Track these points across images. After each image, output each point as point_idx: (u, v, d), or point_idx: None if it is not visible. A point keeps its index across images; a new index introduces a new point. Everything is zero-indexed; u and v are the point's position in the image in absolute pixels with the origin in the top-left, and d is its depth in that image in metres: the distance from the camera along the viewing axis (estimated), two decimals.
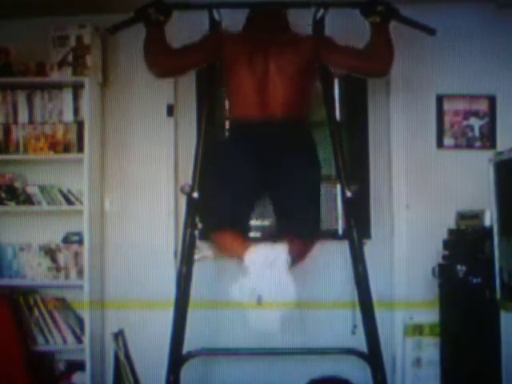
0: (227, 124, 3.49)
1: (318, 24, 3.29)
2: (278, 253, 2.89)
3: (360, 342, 3.32)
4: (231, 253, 3.08)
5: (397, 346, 3.71)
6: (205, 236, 3.19)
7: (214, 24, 3.27)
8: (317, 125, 3.42)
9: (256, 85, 3.10)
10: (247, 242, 3.04)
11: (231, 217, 3.06)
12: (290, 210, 3.10)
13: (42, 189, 3.70)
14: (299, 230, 3.08)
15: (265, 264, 2.86)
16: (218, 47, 3.18)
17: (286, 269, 2.87)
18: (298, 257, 3.05)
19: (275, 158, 3.07)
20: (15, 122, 3.70)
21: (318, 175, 3.22)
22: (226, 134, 3.33)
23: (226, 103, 3.43)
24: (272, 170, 3.07)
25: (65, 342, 3.66)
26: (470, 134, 3.81)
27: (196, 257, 3.28)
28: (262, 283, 2.85)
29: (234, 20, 3.37)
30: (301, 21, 3.33)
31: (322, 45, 3.20)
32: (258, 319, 2.87)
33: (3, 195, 3.68)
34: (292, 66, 3.11)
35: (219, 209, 3.10)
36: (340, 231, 3.76)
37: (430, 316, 3.63)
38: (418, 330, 3.69)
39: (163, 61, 3.15)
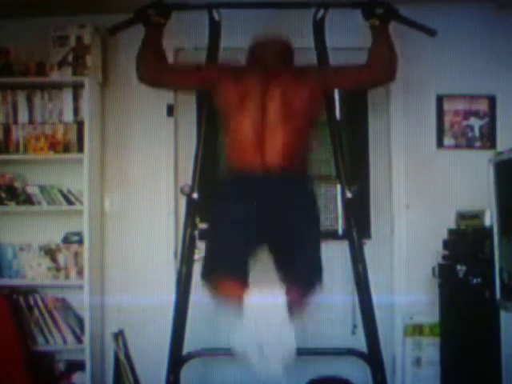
0: (224, 171, 3.29)
1: (318, 24, 3.29)
2: (276, 299, 2.76)
3: (360, 342, 3.33)
4: (230, 300, 2.95)
5: (397, 346, 3.72)
6: (203, 282, 3.04)
7: (214, 24, 3.27)
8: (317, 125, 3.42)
9: (254, 131, 2.97)
10: (245, 288, 2.90)
11: (229, 267, 2.94)
12: (290, 263, 2.98)
13: (42, 189, 3.70)
14: (299, 283, 2.96)
15: (263, 311, 2.74)
16: (212, 82, 3.09)
17: (285, 316, 2.74)
18: (297, 308, 2.94)
19: (275, 212, 2.94)
20: (15, 122, 3.69)
21: (318, 229, 3.10)
22: (224, 183, 3.21)
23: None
24: (271, 223, 2.94)
25: (65, 342, 3.66)
26: (470, 134, 3.81)
27: (196, 257, 3.29)
28: (262, 331, 2.72)
29: (233, 20, 3.38)
30: (301, 21, 3.33)
31: (322, 72, 3.15)
32: (259, 365, 2.79)
33: (3, 195, 3.68)
34: (293, 107, 3.00)
35: (218, 259, 2.98)
36: (340, 231, 3.76)
37: (430, 316, 3.64)
38: (418, 329, 3.69)
39: (157, 73, 3.12)
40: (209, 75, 3.14)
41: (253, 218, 2.93)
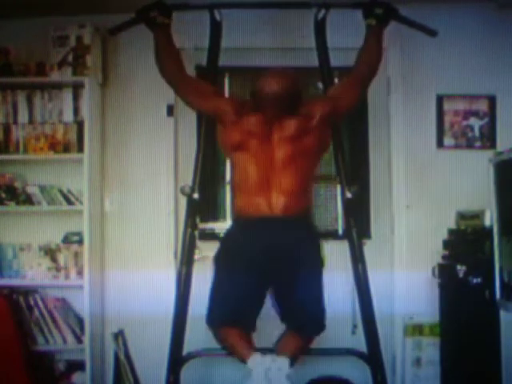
0: (231, 216, 3.36)
1: (320, 25, 3.29)
2: (279, 365, 2.80)
3: (360, 342, 3.32)
4: (234, 351, 2.99)
5: (397, 346, 3.72)
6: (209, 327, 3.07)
7: (215, 24, 3.27)
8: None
9: (259, 174, 2.94)
10: (251, 341, 2.97)
11: (234, 313, 2.94)
12: (293, 307, 3.00)
13: (42, 189, 3.70)
14: (302, 328, 3.02)
15: (266, 376, 2.77)
16: (220, 114, 3.03)
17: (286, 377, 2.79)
18: (296, 354, 3.00)
19: (280, 256, 2.94)
20: (15, 122, 3.69)
21: (321, 274, 3.07)
22: (230, 227, 3.19)
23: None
24: (276, 265, 2.94)
25: (65, 342, 3.66)
26: (470, 134, 3.81)
27: (196, 257, 3.28)
28: None
29: (234, 20, 3.38)
30: (302, 21, 3.33)
31: (330, 105, 3.06)
32: None
33: (3, 195, 3.68)
34: (300, 148, 2.95)
35: (222, 303, 2.99)
36: (340, 231, 3.76)
37: (430, 316, 3.64)
38: (417, 329, 3.69)
39: (175, 81, 3.10)
40: (219, 105, 3.06)
41: (257, 260, 2.93)
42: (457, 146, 3.80)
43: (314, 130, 2.98)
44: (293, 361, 2.92)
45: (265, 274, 2.95)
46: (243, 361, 2.92)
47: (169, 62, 3.10)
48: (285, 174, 2.93)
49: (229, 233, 3.16)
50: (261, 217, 2.93)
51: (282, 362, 2.80)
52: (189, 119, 3.78)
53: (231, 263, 2.99)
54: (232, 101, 3.14)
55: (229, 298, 2.96)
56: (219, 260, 3.07)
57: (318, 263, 3.05)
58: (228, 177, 3.68)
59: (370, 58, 3.11)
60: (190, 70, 3.66)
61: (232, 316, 2.95)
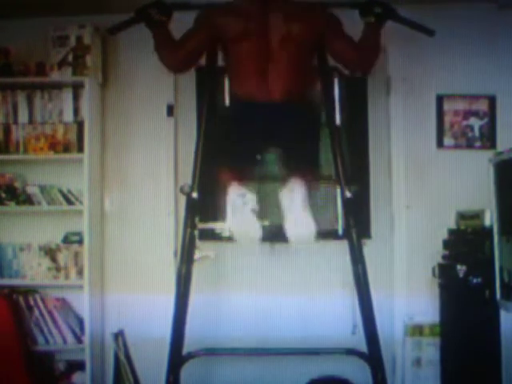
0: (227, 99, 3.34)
1: None
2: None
3: (360, 342, 3.32)
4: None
5: (397, 346, 3.72)
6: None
7: None
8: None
9: (255, 63, 3.00)
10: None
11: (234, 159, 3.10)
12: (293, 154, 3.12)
13: (42, 189, 3.70)
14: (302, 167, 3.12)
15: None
16: (210, 27, 3.08)
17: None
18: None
19: (278, 119, 3.04)
20: (15, 122, 3.70)
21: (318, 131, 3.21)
22: (227, 108, 3.28)
23: (226, 79, 3.35)
24: (275, 126, 3.05)
25: (65, 342, 3.66)
26: (469, 134, 3.81)
27: (196, 257, 3.28)
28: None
29: None
30: None
31: (332, 26, 3.10)
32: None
33: (3, 195, 3.68)
34: (296, 41, 3.00)
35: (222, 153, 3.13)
36: (340, 231, 3.75)
37: (430, 316, 3.64)
38: (418, 330, 3.69)
39: (174, 57, 3.11)
40: (208, 19, 3.11)
41: (257, 124, 3.02)
42: (457, 146, 3.80)
43: (306, 23, 3.02)
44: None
45: (263, 133, 3.05)
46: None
47: (167, 55, 3.10)
48: (280, 58, 2.98)
49: (227, 113, 3.25)
50: (257, 102, 3.00)
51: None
52: (189, 119, 3.78)
53: (230, 127, 3.12)
54: (217, 11, 3.16)
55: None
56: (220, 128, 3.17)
57: (314, 122, 3.16)
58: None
59: (366, 51, 3.10)
60: (190, 70, 3.66)
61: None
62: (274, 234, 3.59)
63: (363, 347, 3.25)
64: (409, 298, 3.71)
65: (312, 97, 3.19)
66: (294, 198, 3.03)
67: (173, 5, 3.15)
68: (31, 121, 3.69)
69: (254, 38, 3.00)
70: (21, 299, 3.66)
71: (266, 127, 3.04)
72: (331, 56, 3.21)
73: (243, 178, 3.14)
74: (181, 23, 3.29)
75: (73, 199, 3.69)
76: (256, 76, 3.01)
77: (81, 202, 3.65)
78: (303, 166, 3.12)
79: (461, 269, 3.30)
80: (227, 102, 3.38)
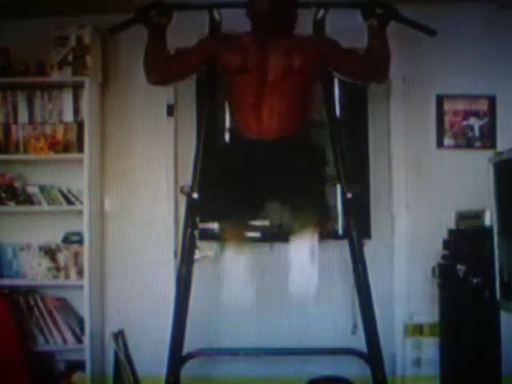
0: (228, 134, 3.44)
1: (319, 24, 3.29)
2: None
3: (360, 342, 3.33)
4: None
5: (397, 345, 3.71)
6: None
7: (214, 24, 3.27)
8: (317, 125, 3.42)
9: (254, 97, 2.99)
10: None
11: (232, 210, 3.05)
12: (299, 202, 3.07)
13: (42, 189, 3.70)
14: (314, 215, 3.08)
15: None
16: (212, 54, 3.10)
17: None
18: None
19: (276, 160, 3.02)
20: (15, 121, 3.69)
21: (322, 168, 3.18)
22: (227, 145, 3.27)
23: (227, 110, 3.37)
24: (274, 166, 3.02)
25: (65, 341, 3.66)
26: (469, 134, 3.81)
27: (196, 257, 3.28)
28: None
29: (233, 20, 3.37)
30: (301, 21, 3.32)
31: (331, 49, 3.13)
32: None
33: (3, 195, 3.68)
34: (296, 75, 2.99)
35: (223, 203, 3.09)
36: (340, 231, 3.76)
37: (429, 316, 3.64)
38: (417, 329, 3.69)
39: (162, 67, 3.11)
40: (208, 47, 3.13)
41: (256, 165, 3.00)
42: (457, 146, 3.80)
43: (307, 54, 3.02)
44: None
45: (262, 176, 3.01)
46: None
47: (156, 63, 3.10)
48: (279, 93, 2.97)
49: (224, 151, 3.26)
50: (255, 138, 3.00)
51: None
52: (189, 119, 3.79)
53: (228, 171, 3.10)
54: (221, 37, 3.19)
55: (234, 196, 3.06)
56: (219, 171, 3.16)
57: (316, 160, 3.14)
58: None
59: (378, 60, 3.10)
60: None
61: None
62: (274, 234, 3.60)
63: (363, 347, 3.26)
64: (409, 298, 3.71)
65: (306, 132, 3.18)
66: (302, 251, 3.00)
67: (174, 5, 3.16)
68: (31, 121, 3.69)
69: (252, 73, 2.98)
70: (21, 299, 3.66)
71: (267, 175, 3.00)
72: (342, 76, 3.21)
73: (243, 235, 3.12)
74: (180, 23, 3.30)
75: (73, 199, 3.69)
76: (255, 111, 2.99)
77: (81, 202, 3.65)
78: (311, 218, 3.08)
79: (461, 269, 3.30)
80: (227, 137, 3.41)
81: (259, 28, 3.05)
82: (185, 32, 3.58)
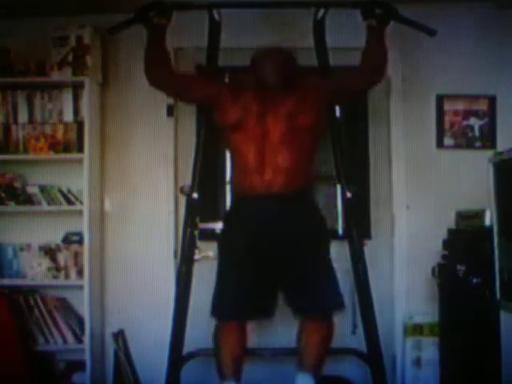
0: (229, 193, 3.37)
1: (319, 24, 3.29)
2: None
3: (360, 342, 3.33)
4: (220, 364, 2.97)
5: (397, 345, 3.72)
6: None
7: (214, 24, 3.27)
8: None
9: (255, 152, 2.88)
10: (241, 362, 2.95)
11: (236, 304, 2.91)
12: (305, 288, 2.87)
13: (42, 189, 3.70)
14: (318, 308, 2.91)
15: None
16: (212, 98, 3.03)
17: None
18: (321, 357, 2.99)
19: (280, 239, 2.87)
20: (15, 121, 3.69)
21: (328, 248, 3.00)
22: (229, 208, 3.21)
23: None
24: (278, 251, 2.87)
25: (65, 341, 3.66)
26: (469, 134, 3.81)
27: (196, 257, 3.29)
28: None
29: (234, 20, 3.38)
30: (301, 21, 3.33)
31: (328, 83, 3.10)
32: None
33: (3, 195, 3.68)
34: (296, 125, 2.89)
35: (224, 294, 2.95)
36: (340, 231, 3.76)
37: (429, 316, 3.64)
38: (417, 329, 3.69)
39: (159, 75, 3.09)
40: (210, 90, 3.07)
41: (258, 246, 2.87)
42: (457, 146, 3.80)
43: (311, 106, 2.94)
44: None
45: (267, 259, 2.87)
46: (221, 378, 2.93)
47: (155, 63, 3.08)
48: (281, 151, 2.86)
49: (228, 214, 3.14)
50: (258, 195, 2.87)
51: None
52: (189, 119, 3.78)
53: (231, 251, 2.97)
54: (222, 83, 3.17)
55: (230, 289, 2.92)
56: (220, 246, 3.04)
57: (321, 238, 2.98)
58: (228, 177, 3.68)
59: (375, 61, 3.09)
60: (190, 70, 3.67)
61: (233, 309, 2.91)
62: None
63: (363, 347, 3.26)
64: (409, 298, 3.72)
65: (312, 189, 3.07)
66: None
67: (174, 5, 3.15)
68: (31, 121, 3.69)
69: (253, 126, 2.90)
70: (21, 299, 3.66)
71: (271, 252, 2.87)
72: (348, 96, 3.18)
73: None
74: (180, 23, 3.30)
75: (73, 199, 3.68)
76: (254, 165, 2.88)
77: (81, 202, 3.64)
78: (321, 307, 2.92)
79: (461, 269, 3.30)
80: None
81: (260, 87, 2.96)
82: (185, 32, 3.59)
